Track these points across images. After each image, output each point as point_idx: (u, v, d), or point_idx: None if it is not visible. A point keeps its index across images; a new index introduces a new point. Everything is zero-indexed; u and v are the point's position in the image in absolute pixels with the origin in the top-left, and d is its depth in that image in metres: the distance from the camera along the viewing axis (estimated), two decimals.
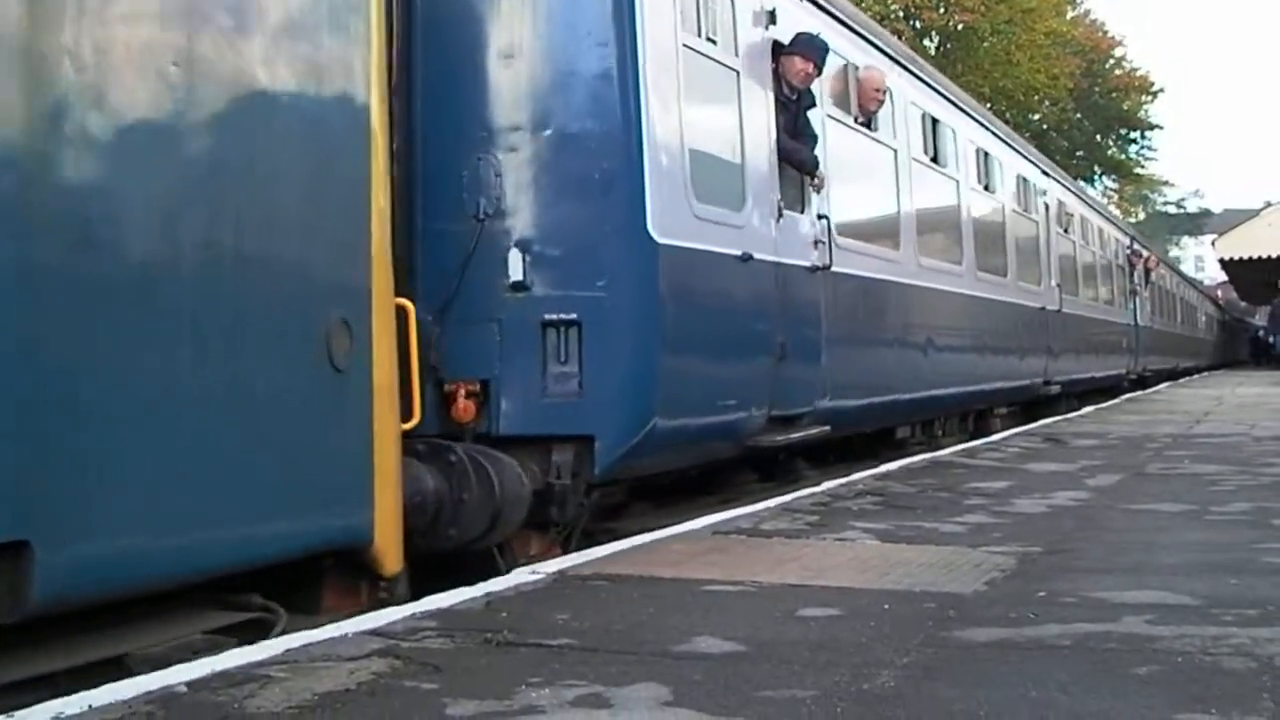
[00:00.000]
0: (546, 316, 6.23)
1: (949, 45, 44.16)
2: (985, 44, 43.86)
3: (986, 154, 14.33)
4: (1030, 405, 16.30)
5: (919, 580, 4.67)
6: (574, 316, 6.21)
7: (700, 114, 7.14)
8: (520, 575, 4.77)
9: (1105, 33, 55.02)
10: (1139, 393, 23.50)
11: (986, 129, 14.80)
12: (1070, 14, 51.64)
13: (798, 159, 8.23)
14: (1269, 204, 36.68)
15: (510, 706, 3.02)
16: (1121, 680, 3.20)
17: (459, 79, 6.47)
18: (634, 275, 6.36)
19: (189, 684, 3.21)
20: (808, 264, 8.30)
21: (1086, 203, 22.38)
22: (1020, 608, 4.11)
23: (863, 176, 10.22)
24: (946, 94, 12.98)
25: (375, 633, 3.81)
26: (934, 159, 12.07)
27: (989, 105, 29.95)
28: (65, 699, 3.13)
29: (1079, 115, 53.15)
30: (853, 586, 4.55)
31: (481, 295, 6.27)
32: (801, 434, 8.12)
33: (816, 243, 8.46)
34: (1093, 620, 3.90)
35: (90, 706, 3.04)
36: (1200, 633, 3.69)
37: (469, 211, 6.32)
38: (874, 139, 10.30)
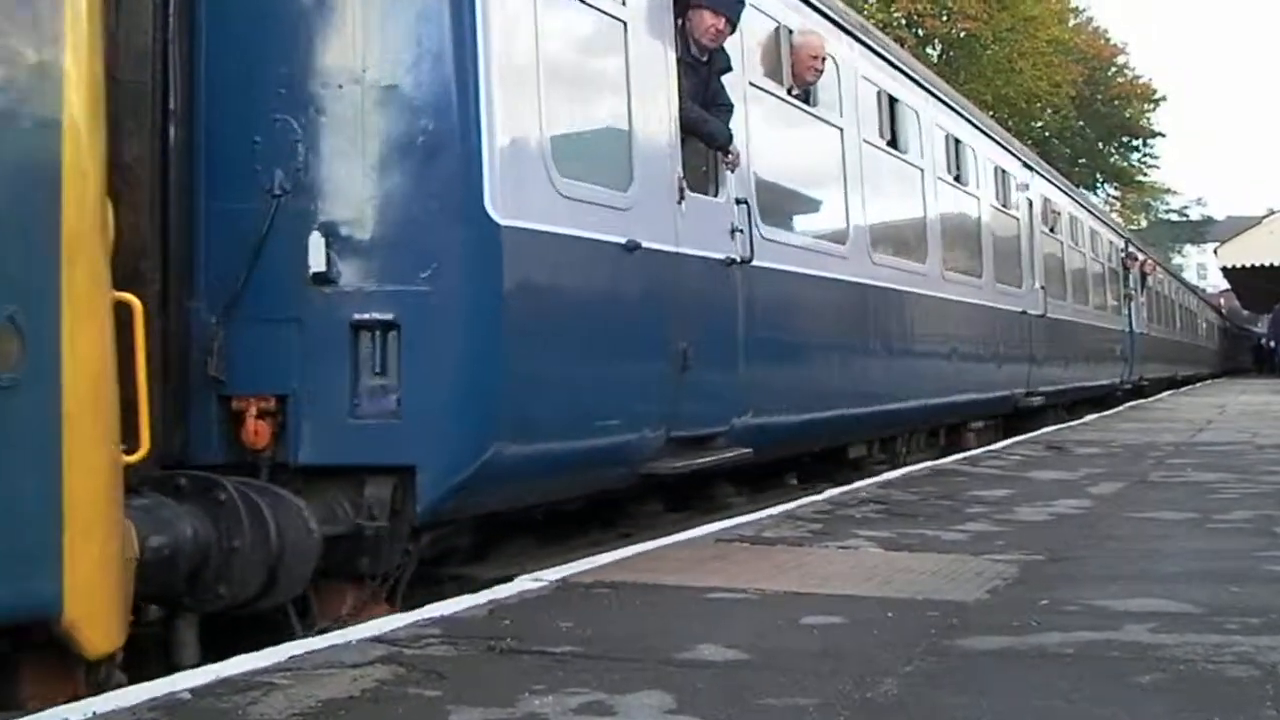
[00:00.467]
0: (357, 317, 5.09)
1: (951, 53, 44.25)
2: (988, 52, 43.96)
3: (958, 142, 13.03)
4: (1012, 418, 15.08)
5: (922, 588, 4.67)
6: (391, 317, 5.06)
7: (571, 70, 6.14)
8: (524, 583, 4.77)
9: (1108, 40, 55.16)
10: (1140, 401, 23.43)
11: (959, 114, 13.36)
12: (1073, 22, 51.79)
13: (705, 131, 7.00)
14: (1272, 211, 36.81)
15: (514, 714, 3.03)
16: (1124, 689, 3.20)
17: (252, 22, 5.30)
18: (467, 265, 5.17)
19: (193, 690, 3.22)
20: (721, 256, 7.09)
21: (1076, 201, 21.09)
22: (1023, 616, 4.11)
23: (796, 157, 8.97)
24: (910, 72, 11.54)
25: (379, 639, 3.81)
26: (892, 143, 10.73)
27: (991, 113, 29.91)
28: (69, 705, 3.15)
29: (1081, 123, 53.25)
30: (855, 594, 4.55)
31: (276, 290, 5.12)
32: (713, 458, 6.90)
33: (734, 231, 7.24)
34: (1095, 628, 3.90)
35: (95, 713, 3.05)
36: (1203, 641, 3.70)
37: (262, 186, 5.15)
38: (813, 115, 8.99)
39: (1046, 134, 50.34)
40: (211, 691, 3.22)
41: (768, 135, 8.10)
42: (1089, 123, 54.04)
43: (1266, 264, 32.18)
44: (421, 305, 5.06)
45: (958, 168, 12.91)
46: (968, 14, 41.91)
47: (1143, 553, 5.54)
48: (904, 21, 41.71)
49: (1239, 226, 40.97)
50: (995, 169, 14.57)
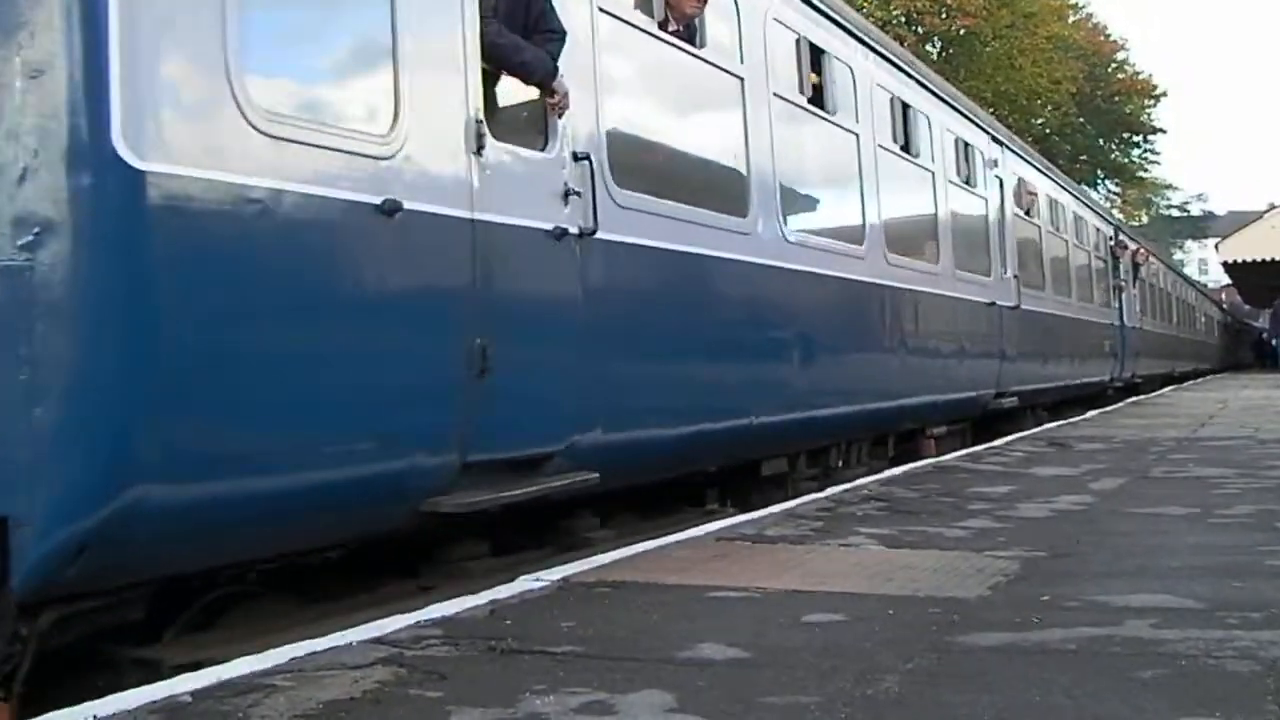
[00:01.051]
0: None
1: (951, 50, 44.25)
2: (987, 49, 43.99)
3: (905, 106, 11.14)
4: (982, 422, 13.61)
5: (923, 585, 4.67)
6: None
7: None
8: (524, 583, 4.76)
9: (1108, 36, 55.26)
10: (1142, 396, 23.41)
11: (908, 75, 11.49)
12: (1072, 18, 51.82)
13: (518, 61, 5.51)
14: (1273, 206, 36.87)
15: (515, 714, 3.03)
16: (1126, 684, 3.20)
17: None
18: (86, 229, 3.68)
19: (194, 693, 3.22)
20: (547, 226, 5.57)
21: (1058, 184, 19.05)
22: (1024, 612, 4.11)
23: (674, 108, 7.40)
24: (842, 21, 9.70)
25: (380, 641, 3.81)
26: (816, 100, 9.04)
27: (991, 109, 29.92)
28: (70, 709, 3.14)
29: (1082, 119, 53.26)
30: (857, 592, 4.55)
31: None
32: (534, 489, 5.37)
33: (568, 194, 5.71)
34: (1097, 624, 3.90)
35: (95, 716, 3.05)
36: (1204, 636, 3.69)
37: None
38: (698, 57, 7.32)
39: (1047, 130, 50.36)
40: (212, 694, 3.22)
41: (628, 77, 6.68)
42: (1089, 119, 54.06)
43: (1268, 259, 32.18)
44: (14, 288, 3.62)
45: (905, 136, 11.11)
46: (967, 11, 41.94)
47: (1144, 548, 5.53)
48: (903, 19, 41.72)
49: (1240, 221, 40.99)
50: (956, 141, 13.01)
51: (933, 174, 11.97)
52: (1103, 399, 20.81)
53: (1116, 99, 55.09)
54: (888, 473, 9.11)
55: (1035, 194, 16.51)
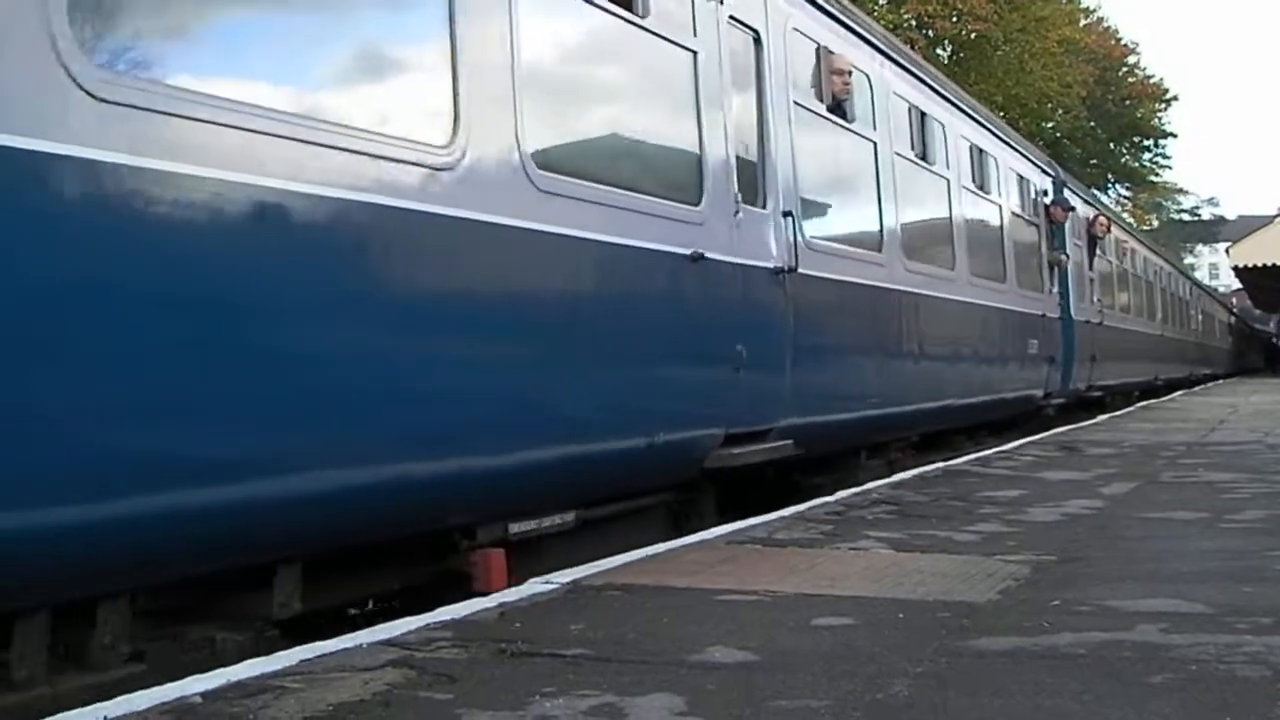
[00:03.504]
0: None
1: (962, 54, 44.21)
2: (998, 52, 43.92)
3: None
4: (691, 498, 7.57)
5: (933, 589, 4.66)
6: None
7: None
8: (534, 585, 4.76)
9: (1118, 40, 55.15)
10: (1152, 401, 23.32)
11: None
12: (1083, 22, 51.75)
13: None
14: None
15: (524, 716, 3.03)
16: (1135, 689, 3.19)
17: None
18: None
19: (204, 695, 3.22)
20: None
21: (938, 91, 12.02)
22: (1034, 617, 4.11)
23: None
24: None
25: (390, 643, 3.82)
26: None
27: (1002, 113, 29.84)
28: (80, 710, 3.15)
29: (1092, 123, 53.23)
30: (866, 596, 4.55)
31: None
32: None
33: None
34: (1107, 629, 3.90)
35: (106, 717, 3.06)
36: (1214, 641, 3.69)
37: None
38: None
39: (1058, 135, 50.31)
40: (222, 695, 3.23)
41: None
42: (1100, 123, 54.00)
43: (1278, 263, 32.10)
44: None
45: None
46: (978, 15, 41.86)
47: (1154, 553, 5.53)
48: (914, 23, 41.69)
49: (1251, 226, 40.94)
50: None
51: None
52: (1032, 423, 15.04)
53: (1127, 103, 55.04)
54: (897, 476, 9.11)
55: (847, 75, 9.14)
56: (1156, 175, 60.62)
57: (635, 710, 3.06)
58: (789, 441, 7.67)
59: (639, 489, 6.70)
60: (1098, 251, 19.44)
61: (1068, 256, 16.75)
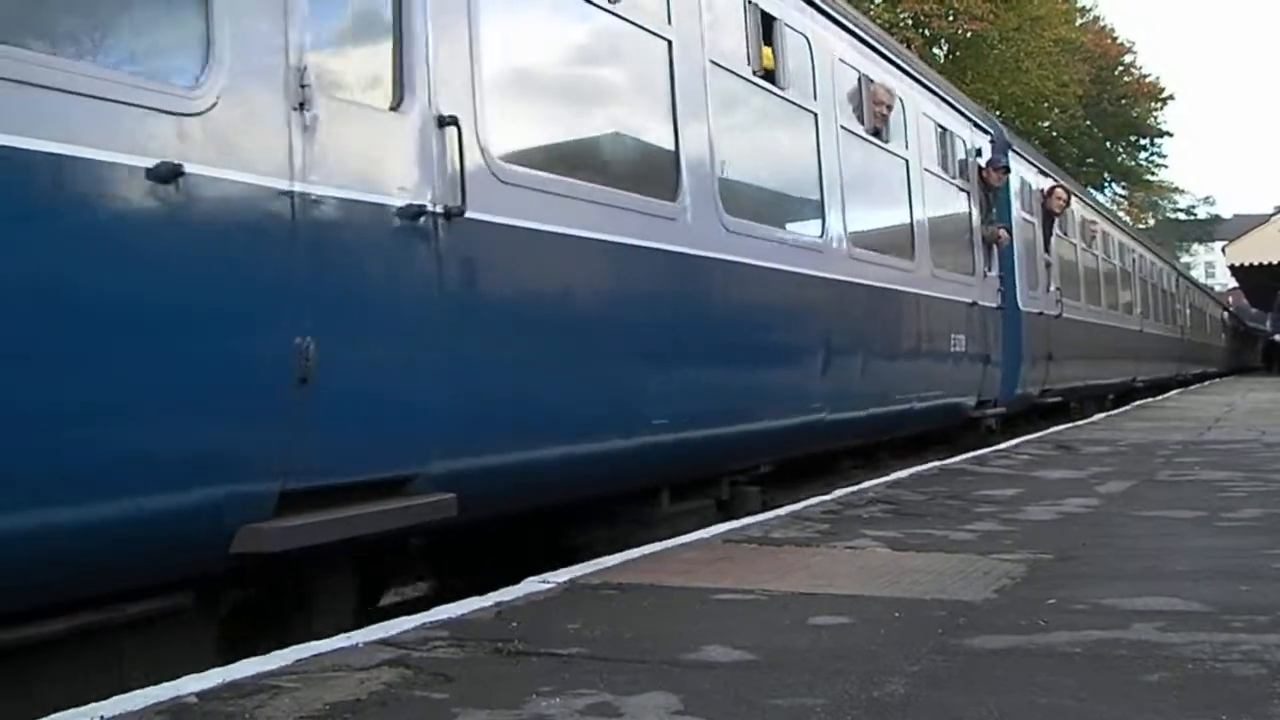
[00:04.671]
0: None
1: (958, 53, 44.22)
2: (994, 51, 43.93)
3: None
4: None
5: (929, 588, 4.66)
6: None
7: None
8: (531, 584, 4.76)
9: (1114, 39, 55.15)
10: (1149, 400, 23.32)
11: None
12: (1079, 21, 51.76)
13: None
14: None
15: (520, 716, 3.02)
16: (1132, 687, 3.19)
17: None
18: None
19: (199, 694, 3.21)
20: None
21: (835, 20, 9.41)
22: (1031, 615, 4.11)
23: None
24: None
25: (386, 642, 3.81)
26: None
27: (998, 112, 29.83)
28: (76, 710, 3.14)
29: (1089, 122, 53.24)
30: (863, 594, 4.55)
31: None
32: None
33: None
34: (1103, 627, 3.90)
35: (101, 717, 3.04)
36: (1211, 639, 3.69)
37: None
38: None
39: (1054, 134, 50.33)
40: (218, 695, 3.22)
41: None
42: (1096, 122, 54.02)
43: (1274, 262, 32.14)
44: None
45: None
46: (974, 14, 41.86)
47: (1151, 551, 5.53)
48: (910, 22, 41.69)
49: (1247, 225, 40.95)
50: None
51: None
52: (963, 440, 12.38)
53: (1123, 102, 55.06)
54: (893, 475, 9.11)
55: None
56: (1153, 174, 60.72)
57: (631, 709, 3.06)
58: (447, 495, 4.79)
59: None
60: (1056, 231, 16.51)
61: (1009, 233, 13.69)
